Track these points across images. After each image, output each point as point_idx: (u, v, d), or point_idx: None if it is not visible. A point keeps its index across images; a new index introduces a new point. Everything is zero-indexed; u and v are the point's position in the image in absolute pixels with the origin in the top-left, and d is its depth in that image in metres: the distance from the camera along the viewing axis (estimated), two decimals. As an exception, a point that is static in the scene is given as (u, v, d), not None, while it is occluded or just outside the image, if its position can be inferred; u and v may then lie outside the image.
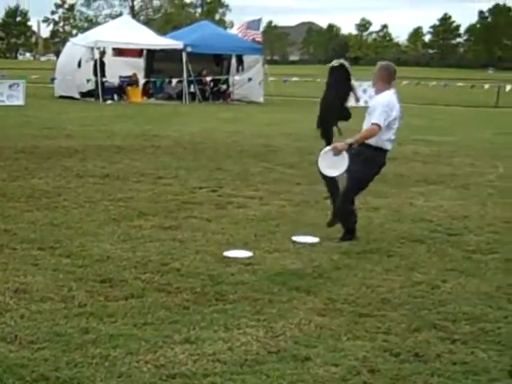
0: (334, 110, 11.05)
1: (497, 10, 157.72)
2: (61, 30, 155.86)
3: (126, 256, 8.08)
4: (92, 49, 34.65)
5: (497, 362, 5.48)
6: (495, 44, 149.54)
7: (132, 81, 36.10)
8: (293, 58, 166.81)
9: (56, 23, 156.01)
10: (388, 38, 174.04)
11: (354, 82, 10.31)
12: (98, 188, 12.19)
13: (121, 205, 10.89)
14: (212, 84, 37.41)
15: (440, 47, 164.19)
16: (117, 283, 7.12)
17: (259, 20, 40.39)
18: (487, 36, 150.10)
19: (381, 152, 9.04)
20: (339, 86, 10.92)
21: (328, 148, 9.21)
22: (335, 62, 10.83)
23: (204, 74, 36.73)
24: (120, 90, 35.67)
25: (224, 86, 38.44)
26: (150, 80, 36.65)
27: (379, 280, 7.52)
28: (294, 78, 46.78)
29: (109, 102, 33.63)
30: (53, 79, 36.95)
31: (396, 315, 6.45)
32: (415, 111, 35.47)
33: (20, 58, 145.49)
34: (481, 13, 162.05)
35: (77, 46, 36.04)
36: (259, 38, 39.65)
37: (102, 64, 34.40)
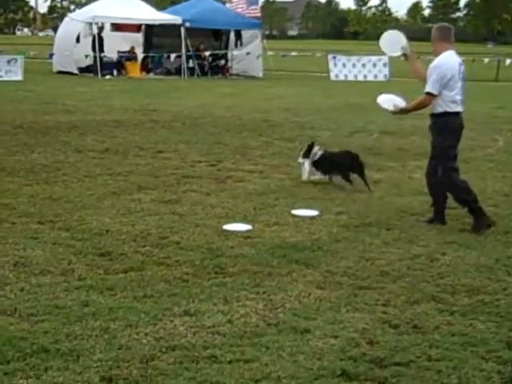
0: None
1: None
2: (59, 5, 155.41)
3: (126, 229, 8.09)
4: (90, 24, 34.48)
5: (495, 334, 5.49)
6: (494, 18, 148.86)
7: (131, 55, 35.93)
8: (291, 32, 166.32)
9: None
10: (387, 13, 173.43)
11: None
12: (97, 162, 12.18)
13: (120, 179, 10.89)
14: (211, 59, 37.29)
15: (440, 22, 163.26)
16: (116, 256, 7.13)
17: (258, -5, 40.23)
18: (486, 10, 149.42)
19: (450, 116, 8.65)
20: None
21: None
22: None
23: (202, 49, 36.62)
24: (119, 65, 35.54)
25: (223, 61, 38.33)
26: (148, 55, 36.51)
27: (378, 253, 7.53)
28: (293, 53, 46.63)
29: (107, 77, 33.53)
30: (51, 55, 36.82)
31: (395, 287, 6.46)
32: (415, 86, 35.35)
33: (18, 33, 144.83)
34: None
35: (75, 22, 35.87)
36: (258, 13, 39.47)
37: (101, 39, 34.26)
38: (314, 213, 9.06)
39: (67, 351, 4.98)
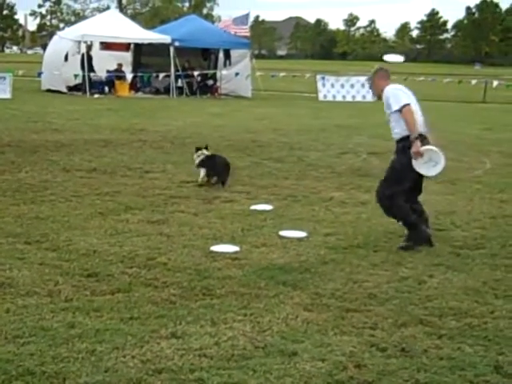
0: None
1: (484, 5, 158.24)
2: (48, 23, 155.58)
3: (113, 250, 8.06)
4: (79, 42, 34.52)
5: (483, 357, 5.48)
6: (482, 40, 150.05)
7: (119, 74, 35.89)
8: (280, 52, 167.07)
9: (43, 17, 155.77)
10: (376, 33, 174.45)
11: None
12: (84, 182, 12.16)
13: (108, 199, 10.86)
14: (199, 78, 37.35)
15: (427, 43, 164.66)
16: (103, 277, 7.09)
17: (247, 15, 40.35)
18: (474, 32, 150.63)
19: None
20: None
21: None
22: None
23: (187, 67, 36.65)
24: (108, 84, 35.54)
25: (211, 81, 38.39)
26: (137, 74, 36.53)
27: (366, 275, 7.53)
28: (282, 73, 46.76)
29: (96, 95, 33.53)
30: (40, 73, 36.79)
31: (383, 310, 6.45)
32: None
33: (7, 51, 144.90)
34: (468, 8, 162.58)
35: (64, 40, 35.90)
36: (247, 33, 39.59)
37: (89, 58, 34.29)
38: (301, 234, 9.06)
39: (53, 374, 4.94)
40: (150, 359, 5.24)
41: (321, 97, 38.48)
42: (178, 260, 7.79)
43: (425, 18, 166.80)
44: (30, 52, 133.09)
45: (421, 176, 8.87)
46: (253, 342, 5.61)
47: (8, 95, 31.08)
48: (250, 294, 6.73)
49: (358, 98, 38.37)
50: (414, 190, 8.94)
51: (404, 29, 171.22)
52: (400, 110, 8.50)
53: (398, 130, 8.64)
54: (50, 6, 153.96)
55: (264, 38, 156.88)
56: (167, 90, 35.95)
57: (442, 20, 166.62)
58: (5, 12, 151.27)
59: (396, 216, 8.90)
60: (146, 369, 5.08)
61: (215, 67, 38.92)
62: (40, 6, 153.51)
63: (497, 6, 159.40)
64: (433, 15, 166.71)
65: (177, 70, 35.53)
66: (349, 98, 38.52)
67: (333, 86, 39.15)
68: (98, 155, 15.23)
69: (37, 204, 10.34)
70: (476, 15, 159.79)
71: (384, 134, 21.83)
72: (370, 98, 38.46)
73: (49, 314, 6.03)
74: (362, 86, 39.08)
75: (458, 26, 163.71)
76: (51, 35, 62.76)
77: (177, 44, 35.37)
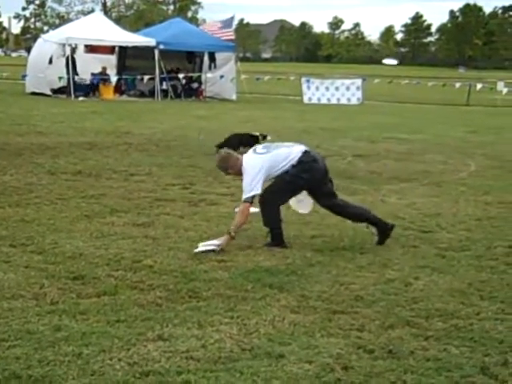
0: None
1: (467, 9, 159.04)
2: (32, 26, 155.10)
3: (99, 253, 8.03)
4: (63, 45, 34.43)
5: (469, 358, 5.49)
6: (466, 43, 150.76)
7: (104, 78, 35.80)
8: (265, 55, 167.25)
9: (27, 19, 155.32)
10: (360, 37, 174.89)
11: None
12: (69, 185, 12.12)
13: (93, 202, 10.83)
14: (184, 81, 37.33)
15: (412, 46, 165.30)
16: (89, 280, 7.06)
17: (232, 18, 40.37)
18: (458, 35, 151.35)
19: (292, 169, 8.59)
20: None
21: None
22: None
23: (170, 70, 36.60)
24: (92, 87, 35.45)
25: (196, 84, 38.38)
26: (122, 77, 36.47)
27: (352, 277, 7.53)
28: (267, 76, 46.80)
29: (80, 98, 33.45)
30: (24, 76, 36.67)
31: (369, 312, 6.46)
32: (387, 109, 35.66)
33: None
34: (452, 12, 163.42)
35: (48, 43, 35.76)
36: (232, 36, 39.62)
37: (74, 61, 34.20)
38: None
39: (39, 377, 4.91)
40: (136, 362, 5.22)
41: (306, 99, 38.55)
42: (163, 262, 7.77)
43: (409, 22, 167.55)
44: (14, 55, 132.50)
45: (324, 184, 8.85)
46: (239, 345, 5.60)
47: (-8, 98, 30.99)
48: (237, 297, 6.72)
49: (343, 101, 38.46)
50: (328, 196, 8.92)
51: (388, 32, 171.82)
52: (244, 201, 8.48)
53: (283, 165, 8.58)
54: (34, 9, 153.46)
55: (249, 40, 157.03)
56: (152, 93, 35.93)
57: (426, 23, 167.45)
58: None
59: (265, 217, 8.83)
60: (133, 371, 5.06)
61: (200, 70, 38.95)
62: (24, 9, 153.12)
63: (480, 9, 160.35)
64: (417, 18, 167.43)
65: (162, 73, 35.51)
66: (334, 101, 38.62)
67: (318, 88, 39.23)
68: (83, 158, 15.19)
69: (22, 207, 10.30)
70: (460, 19, 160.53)
71: (369, 137, 22.00)
72: (354, 100, 38.67)
73: (34, 317, 6.00)
74: (347, 88, 39.24)
75: (441, 29, 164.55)
76: (35, 38, 62.69)
77: (161, 47, 35.34)
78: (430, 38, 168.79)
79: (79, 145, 17.21)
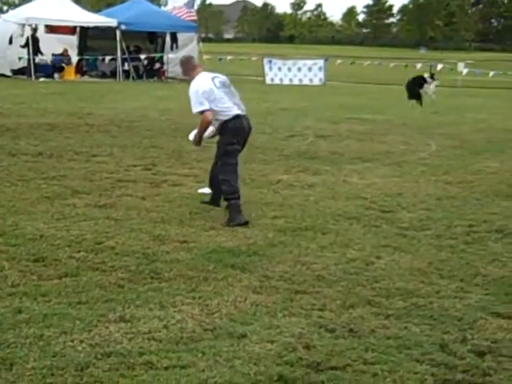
0: None
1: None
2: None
3: (60, 235, 7.99)
4: (23, 25, 34.00)
5: (429, 336, 5.56)
6: (427, 24, 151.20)
7: (66, 59, 35.42)
8: (227, 36, 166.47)
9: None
10: (322, 17, 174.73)
11: None
12: (30, 166, 12.01)
13: (54, 183, 10.76)
14: (146, 62, 37.11)
15: (373, 27, 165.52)
16: (50, 262, 7.03)
17: (194, -1, 40.18)
18: (419, 16, 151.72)
19: (230, 121, 9.32)
20: None
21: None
22: None
23: (130, 49, 36.38)
24: (54, 68, 35.07)
25: (158, 64, 38.18)
26: (83, 58, 36.15)
27: (314, 257, 7.57)
28: (229, 57, 46.65)
29: (41, 79, 33.10)
30: (-17, 56, 36.18)
31: (331, 292, 6.50)
32: (349, 90, 35.75)
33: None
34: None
35: (8, 23, 35.30)
36: (194, 17, 39.43)
37: (37, 41, 33.81)
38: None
39: (0, 360, 4.89)
40: (98, 343, 5.21)
41: (268, 80, 38.54)
42: (125, 244, 7.76)
43: (371, 2, 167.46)
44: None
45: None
46: (201, 325, 5.61)
47: (-50, 79, 30.56)
48: (199, 277, 6.73)
49: (305, 82, 38.50)
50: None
51: (351, 13, 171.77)
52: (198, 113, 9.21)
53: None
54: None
55: (211, 21, 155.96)
56: (113, 74, 35.68)
57: (387, 4, 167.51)
58: None
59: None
60: (95, 353, 5.05)
61: (162, 50, 38.73)
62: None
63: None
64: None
65: (123, 54, 35.26)
66: (296, 82, 38.64)
67: (280, 69, 39.23)
68: (44, 139, 15.06)
69: (-18, 189, 10.20)
70: (421, 0, 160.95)
71: (331, 117, 22.07)
72: (317, 81, 38.72)
73: (-5, 300, 5.97)
74: (309, 69, 39.26)
75: (403, 10, 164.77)
76: (-6, 18, 61.75)
77: (123, 27, 35.10)
78: (391, 19, 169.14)
79: (40, 126, 17.05)
